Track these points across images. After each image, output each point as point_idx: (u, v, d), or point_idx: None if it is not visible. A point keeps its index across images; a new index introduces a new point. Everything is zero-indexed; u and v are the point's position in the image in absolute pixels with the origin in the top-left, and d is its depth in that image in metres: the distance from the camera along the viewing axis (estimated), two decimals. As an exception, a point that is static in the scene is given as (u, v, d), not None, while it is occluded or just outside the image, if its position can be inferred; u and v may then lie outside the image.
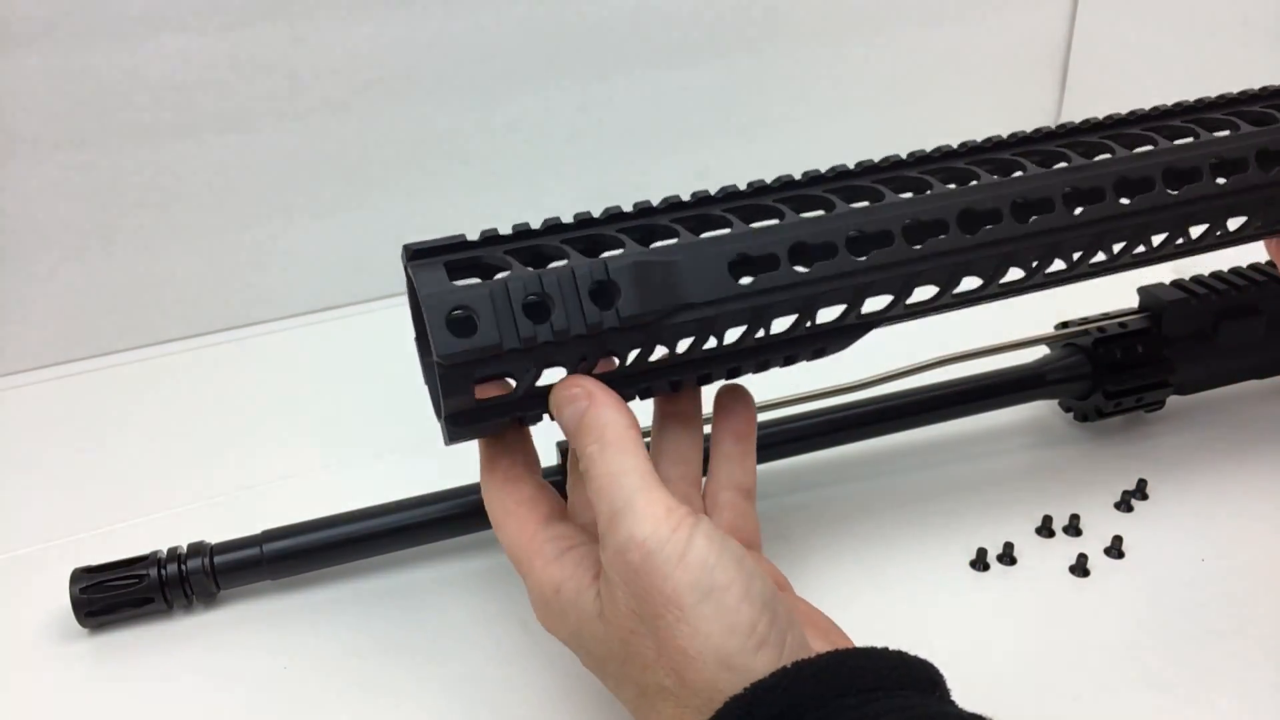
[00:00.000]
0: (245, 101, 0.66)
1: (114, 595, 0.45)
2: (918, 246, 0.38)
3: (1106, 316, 0.55)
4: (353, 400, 0.63)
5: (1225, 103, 0.44)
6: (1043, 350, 0.57)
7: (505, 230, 0.37)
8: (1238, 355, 0.55)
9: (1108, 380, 0.53)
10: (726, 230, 0.37)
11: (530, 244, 0.37)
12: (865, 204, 0.39)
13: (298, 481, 0.57)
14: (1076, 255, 0.40)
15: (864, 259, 0.37)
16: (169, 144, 0.65)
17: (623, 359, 0.37)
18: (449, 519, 0.48)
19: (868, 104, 0.85)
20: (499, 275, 0.35)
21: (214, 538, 0.48)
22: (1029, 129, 0.42)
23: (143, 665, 0.45)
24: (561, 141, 0.75)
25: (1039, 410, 0.58)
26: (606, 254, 0.36)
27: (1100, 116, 0.43)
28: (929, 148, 0.41)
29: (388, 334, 0.71)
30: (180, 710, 0.43)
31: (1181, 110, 0.43)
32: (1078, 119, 0.44)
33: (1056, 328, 0.56)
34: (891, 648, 0.33)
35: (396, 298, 0.74)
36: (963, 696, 0.42)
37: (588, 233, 0.37)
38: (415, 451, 0.56)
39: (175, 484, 0.56)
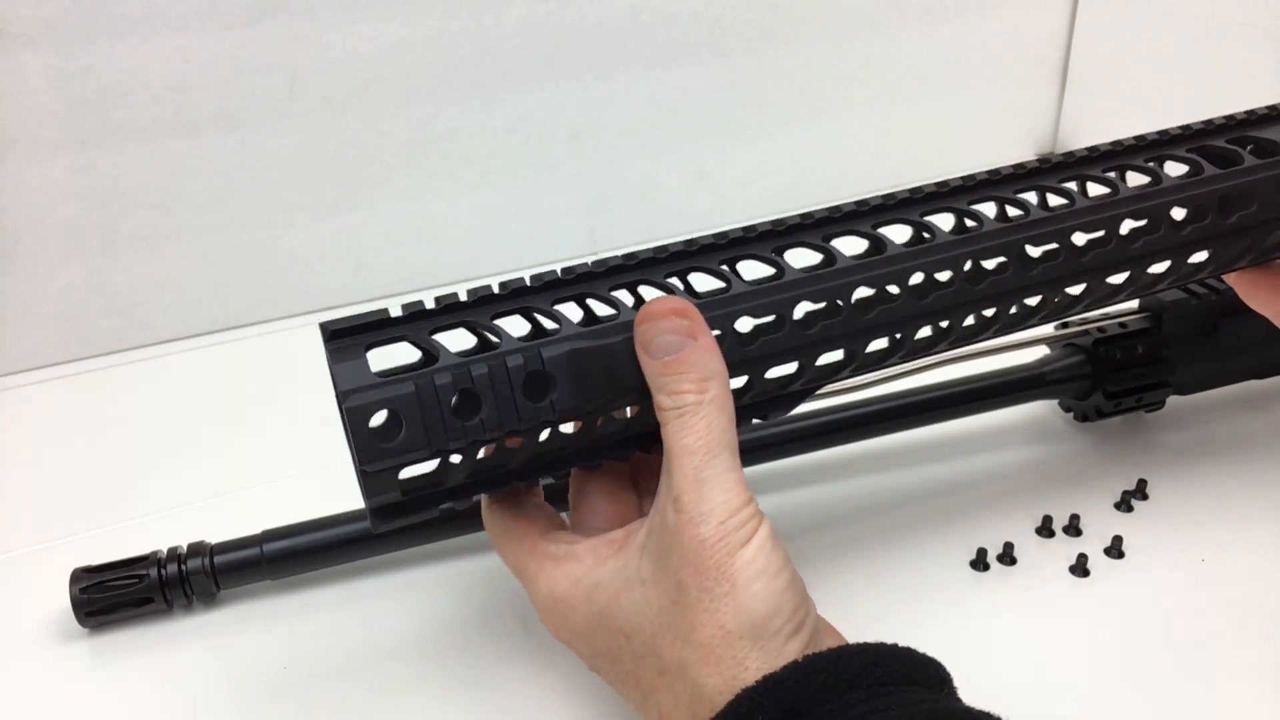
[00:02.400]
0: (245, 101, 0.66)
1: (114, 595, 0.45)
2: (868, 315, 0.37)
3: (1106, 316, 0.55)
4: (353, 400, 0.63)
5: (1192, 135, 0.43)
6: (1043, 350, 0.57)
7: (431, 304, 0.34)
8: (1238, 355, 0.55)
9: (1108, 380, 0.53)
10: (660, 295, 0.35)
11: (459, 319, 0.34)
12: (817, 263, 0.37)
13: (298, 481, 0.57)
14: (1035, 302, 0.40)
15: (813, 331, 0.36)
16: (169, 144, 0.65)
17: (557, 443, 0.35)
18: (449, 519, 0.48)
19: (868, 104, 0.85)
20: (425, 369, 0.32)
21: (214, 538, 0.48)
22: (1008, 162, 0.41)
23: (143, 665, 0.45)
24: (561, 141, 0.75)
25: (1039, 410, 0.58)
26: (541, 341, 0.33)
27: (1073, 152, 0.42)
28: (891, 189, 0.39)
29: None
30: (180, 710, 0.43)
31: (1148, 145, 0.42)
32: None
33: (1056, 328, 0.56)
34: (900, 644, 0.33)
35: (397, 298, 0.74)
36: (963, 697, 0.42)
37: (522, 304, 0.35)
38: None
39: (175, 484, 0.56)
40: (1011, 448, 0.56)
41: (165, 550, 0.47)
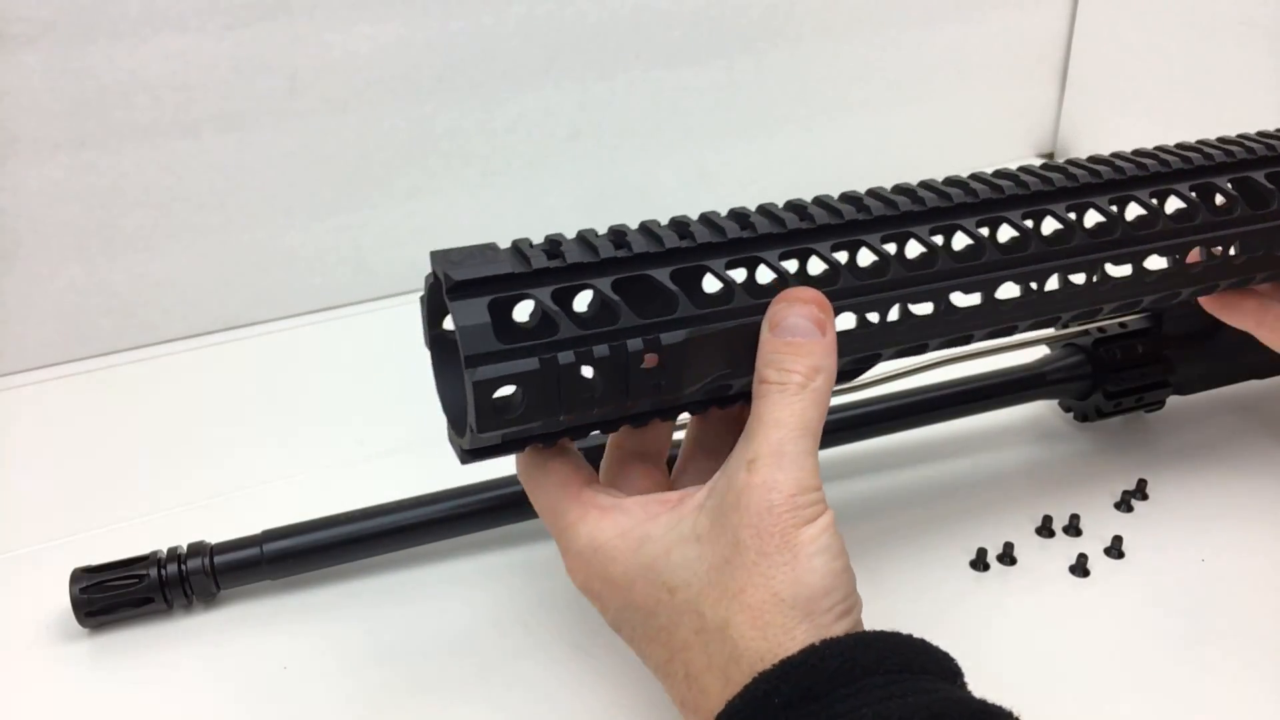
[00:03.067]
0: (245, 101, 0.66)
1: (114, 595, 0.45)
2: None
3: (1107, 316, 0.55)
4: (352, 400, 0.63)
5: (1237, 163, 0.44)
6: (1043, 350, 0.57)
7: (538, 240, 0.34)
8: (1238, 355, 0.55)
9: (1108, 380, 0.53)
10: (776, 287, 0.36)
11: (583, 282, 0.34)
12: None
13: (298, 481, 0.57)
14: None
15: (897, 328, 0.38)
16: (169, 144, 0.65)
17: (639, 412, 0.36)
18: (449, 519, 0.48)
19: (868, 104, 0.85)
20: (550, 344, 0.32)
21: (214, 538, 0.48)
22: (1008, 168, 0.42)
23: (143, 665, 0.45)
24: (561, 141, 0.75)
25: (1039, 410, 0.58)
26: (660, 322, 0.34)
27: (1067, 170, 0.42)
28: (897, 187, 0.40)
29: (388, 334, 0.71)
30: (180, 710, 0.43)
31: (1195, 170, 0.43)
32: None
33: (1057, 328, 0.56)
34: (915, 635, 0.33)
35: (396, 298, 0.75)
36: (963, 696, 0.42)
37: (636, 272, 0.34)
38: (415, 451, 0.56)
39: (175, 484, 0.56)
40: (1011, 448, 0.56)
41: (165, 550, 0.47)
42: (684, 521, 0.34)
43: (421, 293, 0.37)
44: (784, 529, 0.32)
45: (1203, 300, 0.47)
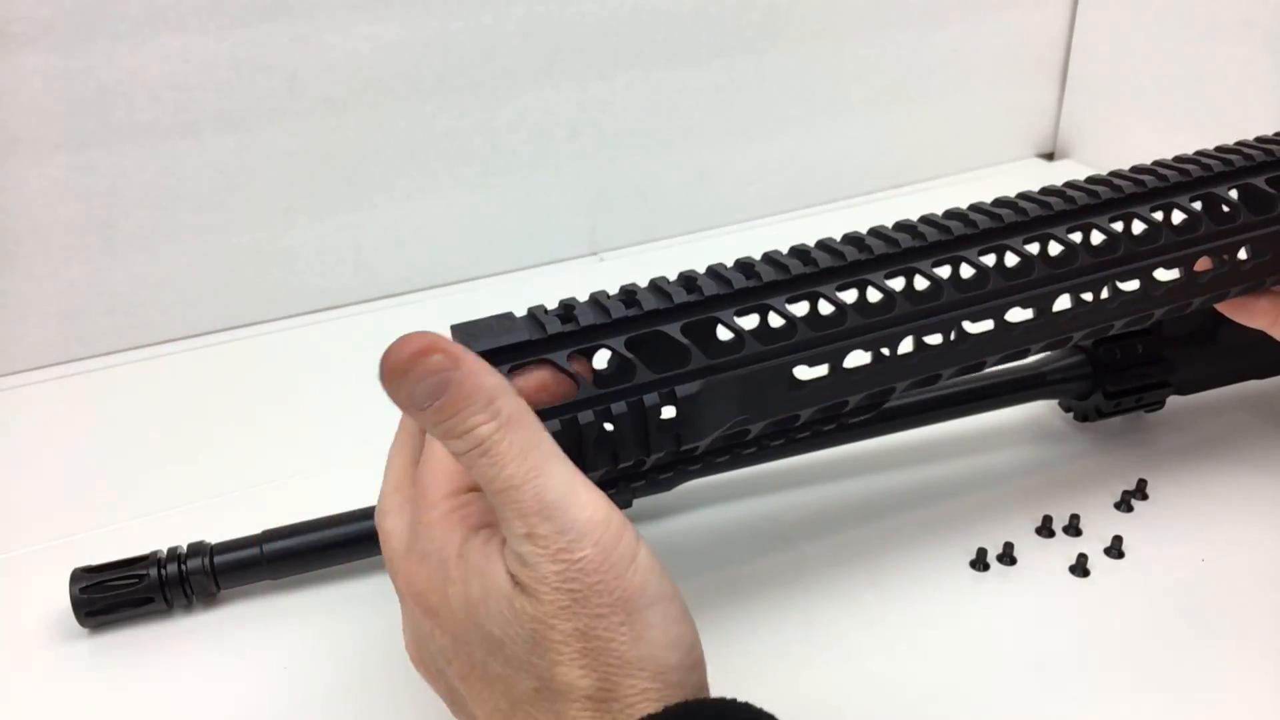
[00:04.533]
0: (245, 101, 0.66)
1: (114, 595, 0.45)
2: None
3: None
4: (353, 400, 0.63)
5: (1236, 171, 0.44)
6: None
7: (552, 305, 0.35)
8: (1238, 355, 0.55)
9: (1108, 380, 0.53)
10: (787, 331, 0.36)
11: (598, 343, 0.34)
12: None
13: (298, 481, 0.57)
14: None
15: (910, 362, 0.39)
16: (169, 144, 0.65)
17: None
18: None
19: (868, 104, 0.85)
20: (572, 405, 0.33)
21: (214, 538, 0.48)
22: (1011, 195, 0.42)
23: (143, 665, 0.45)
24: (561, 141, 0.75)
25: (1039, 410, 0.58)
26: (675, 375, 0.34)
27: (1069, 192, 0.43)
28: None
29: (388, 334, 0.71)
30: (180, 710, 0.43)
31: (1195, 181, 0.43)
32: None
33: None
34: (766, 709, 0.31)
35: (396, 297, 0.75)
36: (963, 696, 0.42)
37: (646, 330, 0.35)
38: (415, 451, 0.56)
39: (175, 484, 0.56)
40: (1011, 448, 0.56)
41: (165, 550, 0.47)
42: (495, 569, 0.30)
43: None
44: (608, 584, 0.29)
45: (1218, 304, 0.47)
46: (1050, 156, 0.94)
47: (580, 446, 0.33)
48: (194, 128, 0.65)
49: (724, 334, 0.36)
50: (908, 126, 0.87)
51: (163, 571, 0.46)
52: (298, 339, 0.71)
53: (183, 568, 0.46)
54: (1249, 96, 0.75)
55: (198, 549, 0.47)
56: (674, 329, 0.35)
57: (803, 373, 0.37)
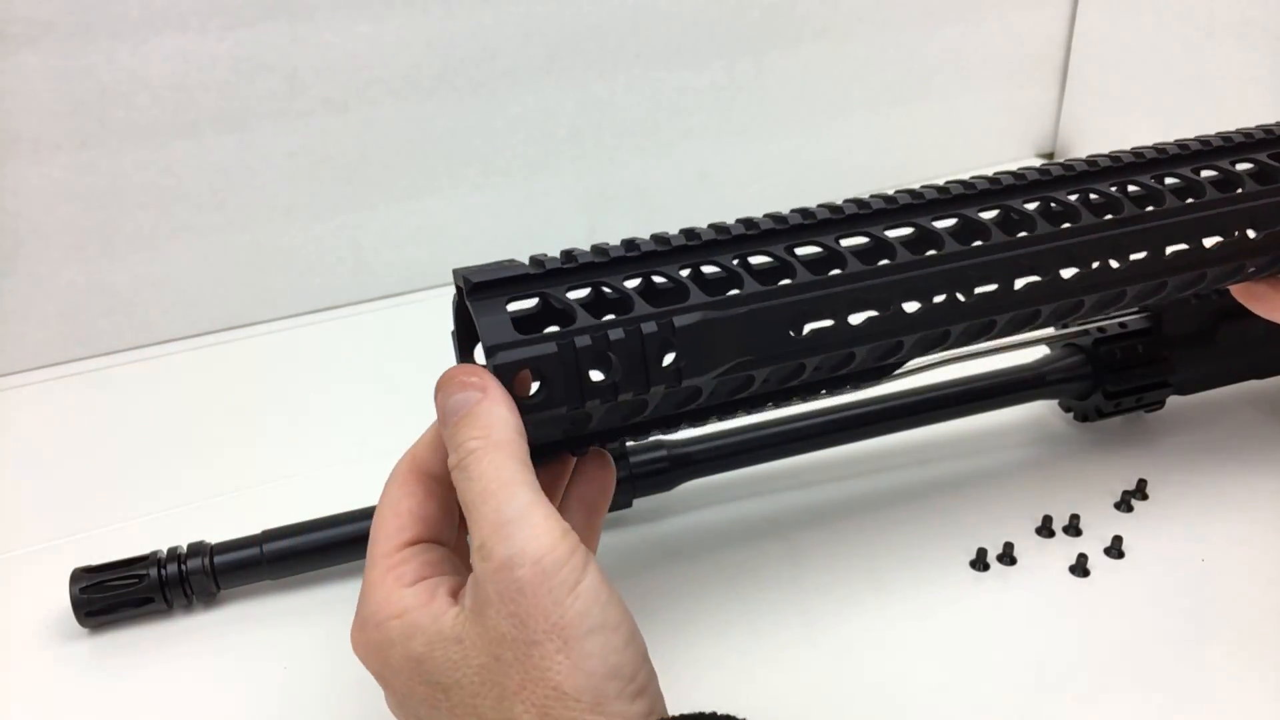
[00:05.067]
0: (245, 101, 0.66)
1: (114, 595, 0.45)
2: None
3: (1107, 316, 0.55)
4: (353, 400, 0.63)
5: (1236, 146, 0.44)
6: (1043, 350, 0.57)
7: (554, 254, 0.36)
8: (1238, 355, 0.55)
9: (1108, 380, 0.53)
10: (787, 281, 0.36)
11: (594, 279, 0.35)
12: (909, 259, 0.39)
13: (298, 481, 0.57)
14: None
15: (912, 312, 0.38)
16: (169, 144, 0.65)
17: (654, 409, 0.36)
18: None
19: (868, 104, 0.85)
20: (566, 331, 0.33)
21: (214, 538, 0.48)
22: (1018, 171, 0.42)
23: (143, 665, 0.45)
24: (561, 141, 0.75)
25: (1039, 410, 0.58)
26: (673, 308, 0.34)
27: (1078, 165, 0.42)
28: (890, 189, 0.40)
29: (388, 334, 0.71)
30: (180, 710, 0.43)
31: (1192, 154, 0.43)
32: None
33: (1057, 328, 0.56)
34: (762, 713, 0.31)
35: (396, 297, 0.75)
36: (963, 696, 0.42)
37: (648, 270, 0.36)
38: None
39: (175, 484, 0.56)
40: (1011, 448, 0.56)
41: (165, 550, 0.47)
42: (442, 619, 0.31)
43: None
44: (544, 609, 0.29)
45: (1234, 291, 0.47)
46: (1050, 156, 0.94)
47: (579, 372, 0.33)
48: (194, 128, 0.65)
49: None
50: (907, 126, 0.87)
51: (163, 571, 0.46)
52: (298, 339, 0.71)
53: (183, 568, 0.46)
54: (1249, 96, 0.75)
55: (198, 549, 0.47)
56: (672, 269, 0.35)
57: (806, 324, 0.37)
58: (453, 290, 0.36)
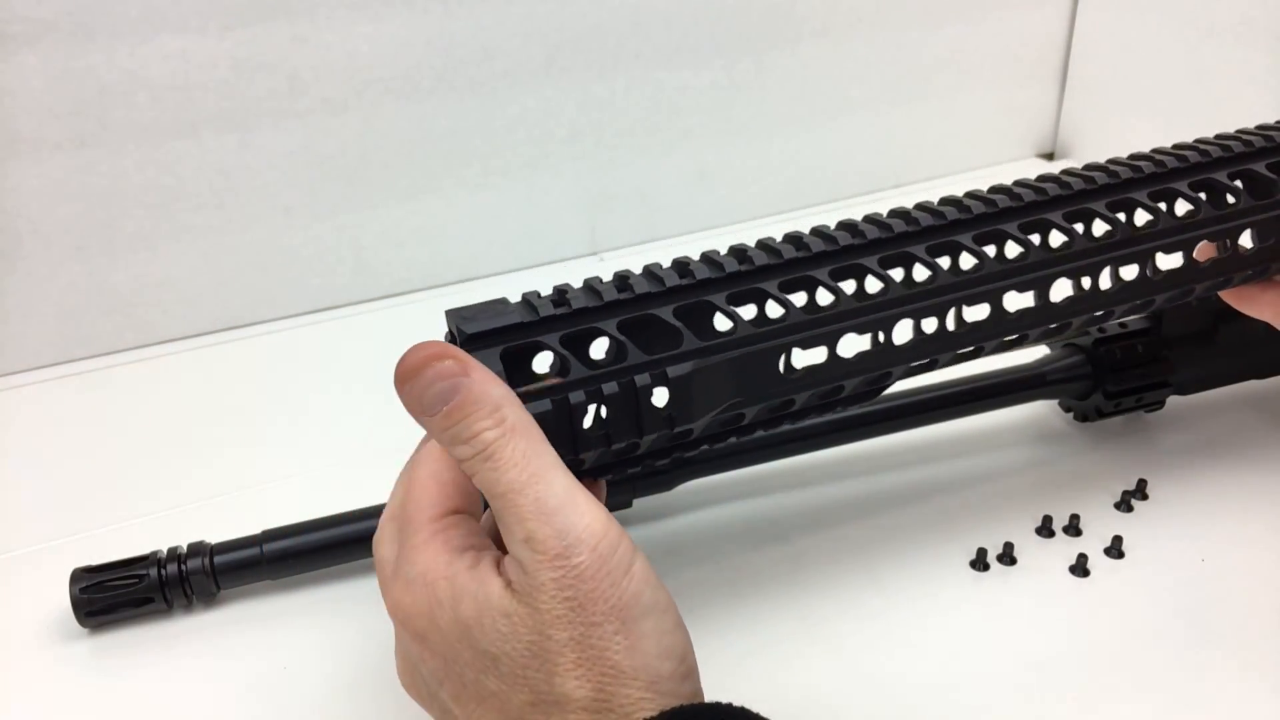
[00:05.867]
0: (245, 101, 0.66)
1: (114, 595, 0.45)
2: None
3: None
4: (353, 400, 0.63)
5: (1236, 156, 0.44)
6: (1043, 350, 0.57)
7: (546, 291, 0.35)
8: (1238, 355, 0.55)
9: (1108, 380, 0.53)
10: (781, 314, 0.36)
11: (589, 325, 0.35)
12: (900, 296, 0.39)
13: (298, 481, 0.57)
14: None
15: (906, 347, 0.38)
16: (169, 144, 0.65)
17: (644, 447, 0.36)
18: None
19: (868, 104, 0.85)
20: (562, 385, 0.33)
21: (214, 538, 0.48)
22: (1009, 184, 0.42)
23: (143, 665, 0.45)
24: (561, 141, 0.75)
25: (1039, 410, 0.58)
26: (667, 356, 0.34)
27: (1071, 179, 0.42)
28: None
29: (388, 334, 0.71)
30: (180, 710, 0.43)
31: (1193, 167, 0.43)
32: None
33: (1066, 335, 0.56)
34: (762, 709, 0.31)
35: (396, 297, 0.75)
36: (963, 696, 0.42)
37: (638, 314, 0.35)
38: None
39: (175, 484, 0.56)
40: (1011, 448, 0.56)
41: (165, 550, 0.47)
42: (489, 588, 0.30)
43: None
44: (604, 592, 0.29)
45: (1222, 293, 0.47)
46: (1050, 156, 0.94)
47: (572, 426, 0.33)
48: (194, 128, 0.65)
49: (720, 322, 0.36)
50: (907, 126, 0.87)
51: (163, 571, 0.46)
52: (298, 339, 0.71)
53: (183, 568, 0.46)
54: (1249, 96, 0.75)
55: (198, 549, 0.47)
56: (666, 312, 0.35)
57: (797, 357, 0.37)
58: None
